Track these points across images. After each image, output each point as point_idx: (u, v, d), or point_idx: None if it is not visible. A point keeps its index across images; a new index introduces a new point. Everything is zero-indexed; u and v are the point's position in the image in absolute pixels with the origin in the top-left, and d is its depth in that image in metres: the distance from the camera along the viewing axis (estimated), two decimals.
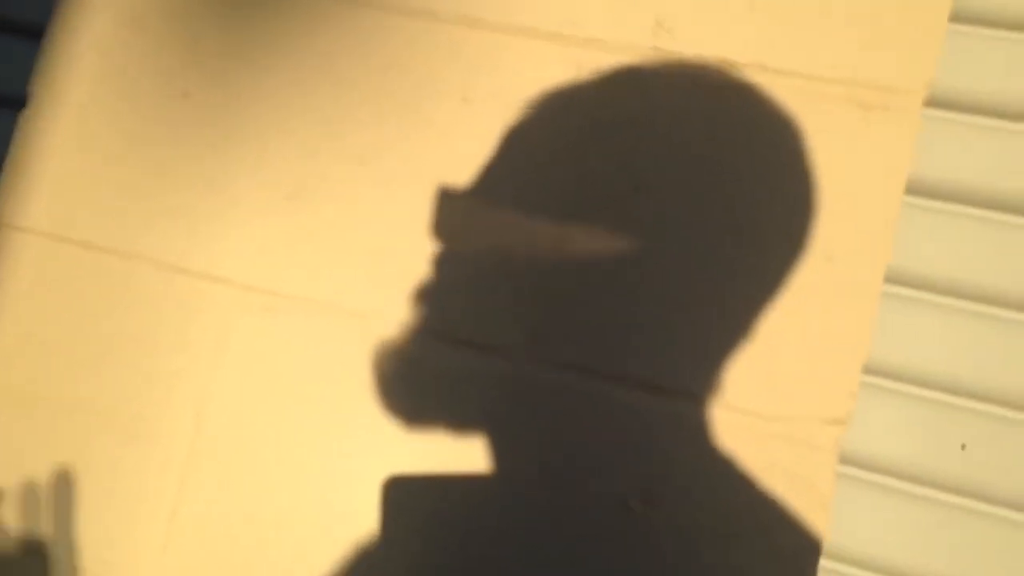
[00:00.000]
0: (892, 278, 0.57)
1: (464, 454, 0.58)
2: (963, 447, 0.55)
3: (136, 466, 0.63)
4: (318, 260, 0.62)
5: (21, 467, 0.65)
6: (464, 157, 0.60)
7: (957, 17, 0.57)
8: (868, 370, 0.56)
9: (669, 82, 0.58)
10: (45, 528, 0.63)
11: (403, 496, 0.58)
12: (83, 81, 0.67)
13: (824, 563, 0.52)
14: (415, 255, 0.60)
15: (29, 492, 0.62)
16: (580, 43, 0.59)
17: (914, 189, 0.57)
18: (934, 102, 0.57)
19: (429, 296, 0.60)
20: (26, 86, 0.68)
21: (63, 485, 0.62)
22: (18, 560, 0.62)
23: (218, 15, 0.65)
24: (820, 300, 0.54)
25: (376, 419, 0.59)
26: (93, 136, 0.67)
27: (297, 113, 0.63)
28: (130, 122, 0.66)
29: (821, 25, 0.56)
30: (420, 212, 0.60)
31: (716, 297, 0.55)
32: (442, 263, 0.60)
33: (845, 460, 0.55)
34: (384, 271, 0.61)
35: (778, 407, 0.54)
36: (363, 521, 0.59)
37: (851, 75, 0.55)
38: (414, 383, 0.59)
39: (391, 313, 0.60)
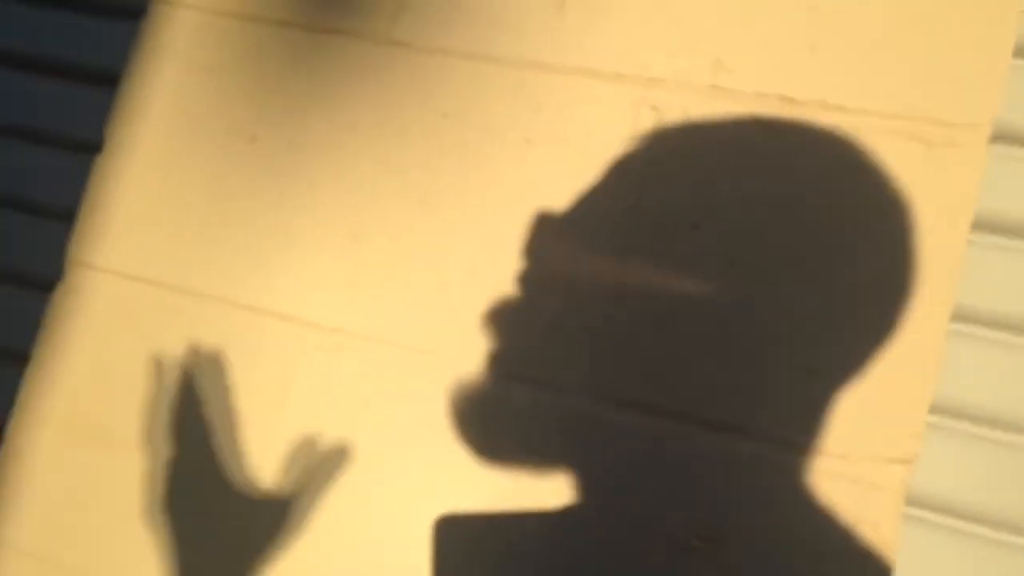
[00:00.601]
0: (958, 316, 0.56)
1: (528, 491, 0.58)
2: None
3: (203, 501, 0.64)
4: (381, 298, 0.63)
5: (90, 499, 0.67)
6: (525, 197, 0.61)
7: (1021, 52, 0.57)
8: (934, 409, 0.55)
9: (730, 120, 0.58)
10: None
11: (463, 535, 0.59)
12: (155, 126, 0.70)
13: None
14: (476, 293, 0.61)
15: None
16: (642, 83, 0.60)
17: (980, 226, 0.56)
18: (1000, 138, 0.56)
19: (492, 334, 0.60)
20: (101, 131, 0.71)
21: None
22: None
23: (284, 63, 0.67)
24: None
25: (440, 455, 0.60)
26: (164, 179, 0.69)
27: (359, 156, 0.65)
28: (199, 166, 0.68)
29: (883, 62, 0.56)
30: (481, 251, 0.61)
31: (778, 334, 0.55)
32: (505, 301, 0.61)
33: (912, 502, 0.55)
34: (446, 309, 0.61)
35: (842, 446, 0.54)
36: (427, 557, 0.59)
37: (914, 112, 0.55)
38: (478, 420, 0.60)
39: (453, 350, 0.61)
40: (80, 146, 0.71)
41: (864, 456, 0.53)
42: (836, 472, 0.53)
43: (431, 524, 0.59)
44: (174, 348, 0.66)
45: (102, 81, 0.71)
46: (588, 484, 0.57)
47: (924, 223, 0.54)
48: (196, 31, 0.70)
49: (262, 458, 0.63)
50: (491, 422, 0.59)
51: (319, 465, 0.62)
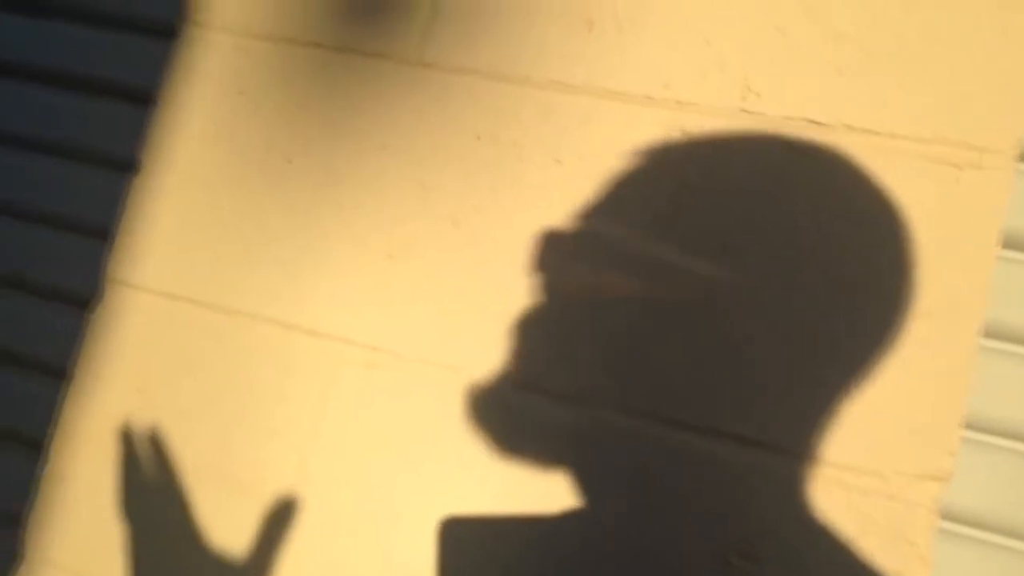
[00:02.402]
0: (989, 332, 0.56)
1: (556, 505, 0.58)
2: None
3: (239, 519, 0.65)
4: (416, 317, 0.64)
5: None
6: (555, 218, 0.62)
7: None
8: (967, 425, 0.55)
9: (758, 144, 0.59)
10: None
11: (486, 541, 0.59)
12: (192, 147, 0.71)
13: None
14: (507, 311, 0.62)
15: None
16: (671, 106, 0.61)
17: (1009, 244, 0.57)
18: None
19: (520, 349, 0.61)
20: (139, 151, 0.72)
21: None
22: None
23: (318, 86, 0.68)
24: (918, 355, 0.54)
25: (473, 472, 0.60)
26: (200, 199, 0.70)
27: (392, 177, 0.66)
28: (235, 186, 0.69)
29: (910, 87, 0.57)
30: (511, 270, 0.62)
31: (810, 353, 0.56)
32: (533, 317, 0.61)
33: (946, 516, 0.55)
34: (477, 327, 0.62)
35: (875, 463, 0.54)
36: (457, 570, 0.59)
37: (941, 135, 0.56)
38: (508, 436, 0.60)
39: (485, 367, 0.61)
40: (118, 165, 0.72)
41: (899, 473, 0.53)
42: (871, 489, 0.54)
43: (474, 536, 0.60)
44: (210, 366, 0.67)
45: (140, 100, 0.72)
46: (616, 497, 0.57)
47: (954, 242, 0.55)
48: (230, 54, 0.71)
49: (299, 474, 0.64)
50: (521, 437, 0.60)
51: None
